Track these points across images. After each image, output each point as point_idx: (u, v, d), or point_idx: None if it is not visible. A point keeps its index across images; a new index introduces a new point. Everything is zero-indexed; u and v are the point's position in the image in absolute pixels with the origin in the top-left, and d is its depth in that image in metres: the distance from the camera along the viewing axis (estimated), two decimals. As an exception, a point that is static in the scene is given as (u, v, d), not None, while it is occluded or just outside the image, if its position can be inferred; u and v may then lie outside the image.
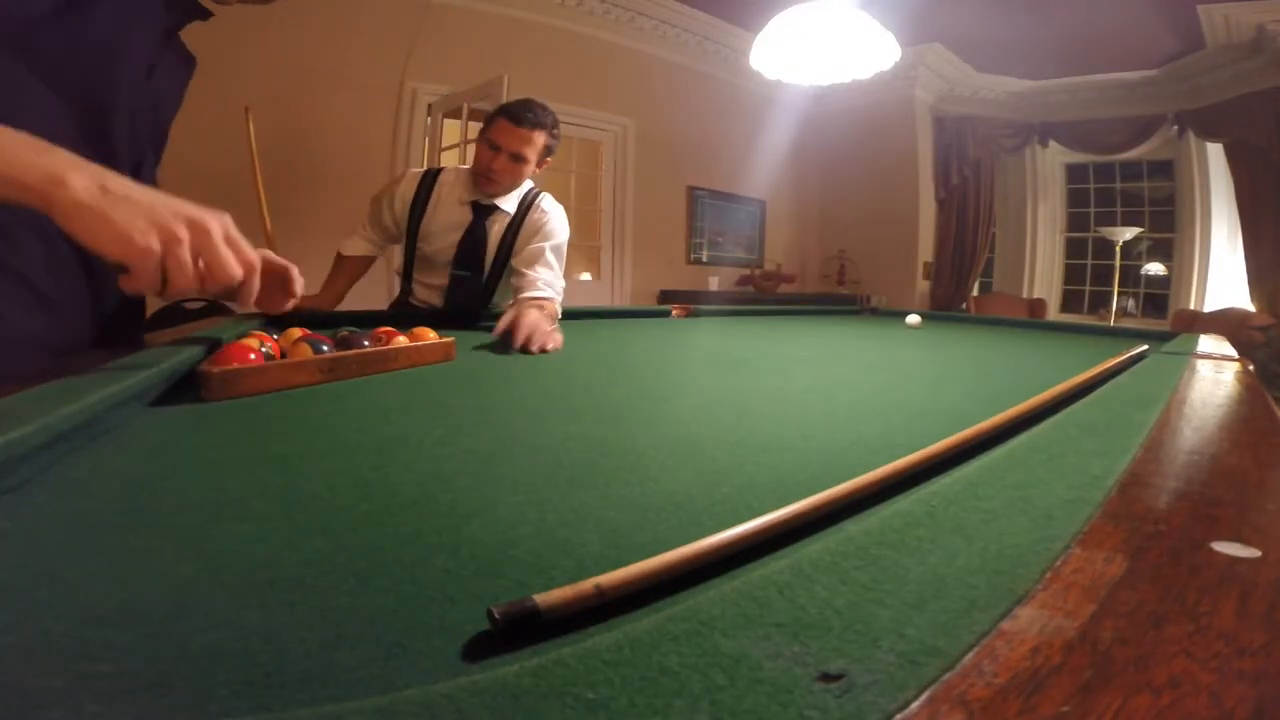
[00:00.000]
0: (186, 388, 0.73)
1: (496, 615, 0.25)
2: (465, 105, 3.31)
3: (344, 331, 0.92)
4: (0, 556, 0.32)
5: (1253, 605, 0.23)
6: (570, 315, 1.76)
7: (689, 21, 4.53)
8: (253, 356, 0.75)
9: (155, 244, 0.56)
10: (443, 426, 0.61)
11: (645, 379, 0.95)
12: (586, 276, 4.83)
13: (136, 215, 0.55)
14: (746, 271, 5.21)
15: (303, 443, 0.55)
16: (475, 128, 3.26)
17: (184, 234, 0.58)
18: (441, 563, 0.32)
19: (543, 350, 1.15)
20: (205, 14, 0.89)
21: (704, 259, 5.10)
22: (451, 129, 3.48)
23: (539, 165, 1.61)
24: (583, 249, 4.76)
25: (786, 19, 2.19)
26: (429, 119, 3.57)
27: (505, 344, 1.16)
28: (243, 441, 0.55)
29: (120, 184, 0.56)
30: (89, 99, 0.78)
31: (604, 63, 4.29)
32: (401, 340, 0.95)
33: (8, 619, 0.26)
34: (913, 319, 2.25)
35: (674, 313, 2.17)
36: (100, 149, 0.80)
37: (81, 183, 0.54)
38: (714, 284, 5.04)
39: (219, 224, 0.61)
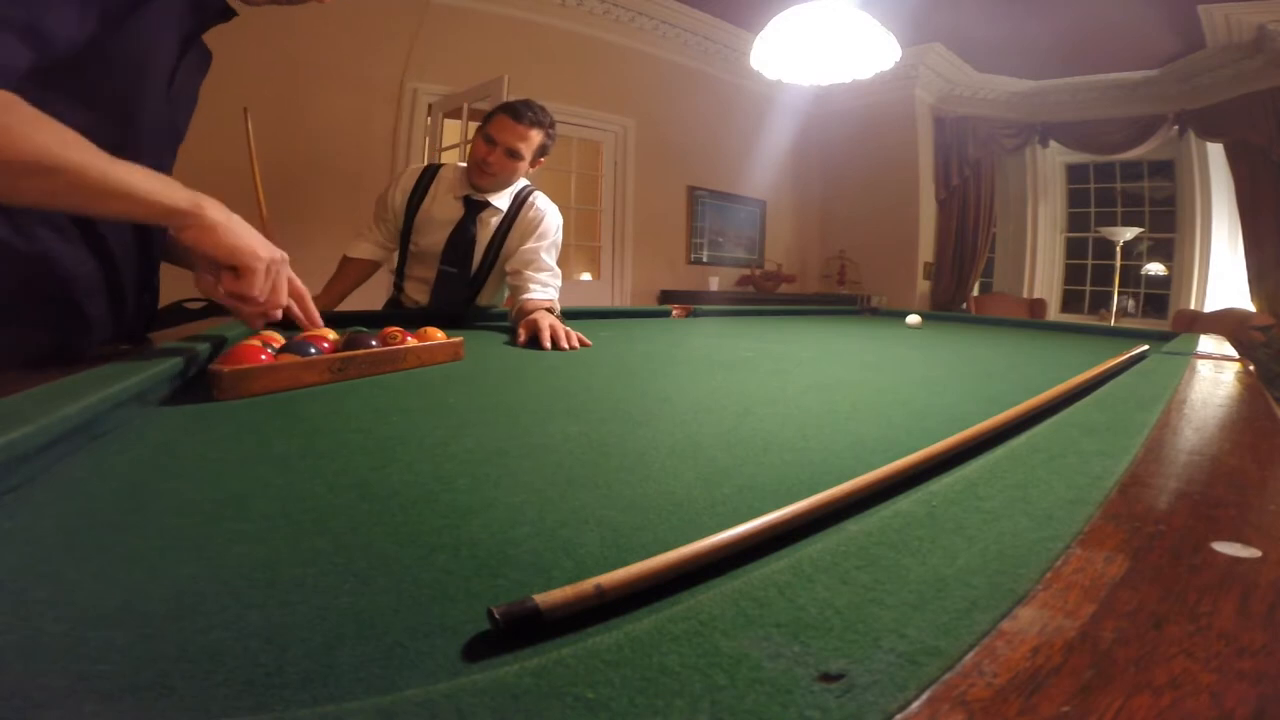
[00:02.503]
0: (195, 387, 0.73)
1: (497, 615, 0.25)
2: (465, 105, 3.31)
3: (352, 331, 0.92)
4: (0, 556, 0.32)
5: (1253, 605, 0.23)
6: (571, 315, 1.77)
7: (689, 21, 4.53)
8: (264, 357, 0.75)
9: (266, 256, 0.75)
10: (444, 426, 0.61)
11: (645, 379, 0.95)
12: (586, 276, 4.83)
13: (252, 236, 0.74)
14: (747, 272, 5.21)
15: (304, 443, 0.55)
16: (476, 128, 3.27)
17: (279, 256, 0.77)
18: (442, 563, 0.32)
19: (572, 346, 1.24)
20: (230, 15, 0.90)
21: (704, 259, 5.10)
22: (451, 129, 3.48)
23: (533, 164, 1.63)
24: (583, 249, 4.76)
25: (787, 19, 2.19)
26: (429, 119, 3.57)
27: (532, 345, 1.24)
28: (244, 441, 0.55)
29: (233, 216, 0.74)
30: (118, 118, 0.78)
31: (604, 63, 4.29)
32: (410, 340, 0.95)
33: (8, 619, 0.26)
34: (913, 319, 2.26)
35: (674, 313, 2.17)
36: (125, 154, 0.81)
37: (214, 209, 0.72)
38: (714, 284, 5.04)
39: (285, 261, 0.79)
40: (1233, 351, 1.19)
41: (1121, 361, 1.00)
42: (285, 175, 3.19)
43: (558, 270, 1.65)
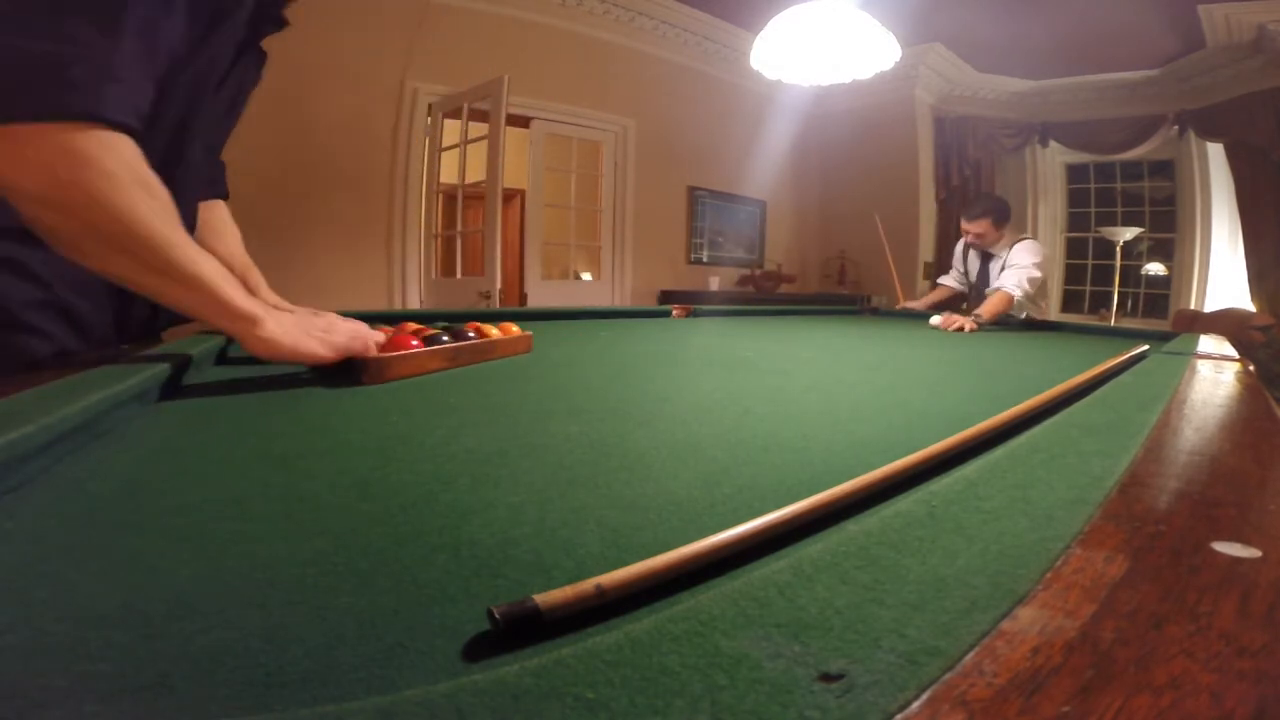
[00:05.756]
0: (194, 388, 0.73)
1: (497, 615, 0.25)
2: (465, 105, 3.31)
3: (455, 327, 1.05)
4: (1, 556, 0.32)
5: (1253, 606, 0.23)
6: (571, 315, 1.79)
7: (689, 21, 4.52)
8: (415, 343, 0.89)
9: (308, 350, 0.77)
10: (444, 426, 0.61)
11: (646, 379, 0.95)
12: (587, 276, 4.84)
13: (294, 339, 0.76)
14: (747, 272, 5.21)
15: (304, 443, 0.55)
16: (475, 128, 3.27)
17: (311, 331, 0.79)
18: (442, 563, 0.32)
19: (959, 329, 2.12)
20: (284, 25, 0.97)
21: (704, 259, 5.10)
22: (451, 129, 3.48)
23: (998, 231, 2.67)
24: (583, 249, 4.77)
25: (787, 19, 2.19)
26: (429, 119, 3.57)
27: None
28: (244, 441, 0.55)
29: (279, 316, 0.77)
30: (182, 123, 0.83)
31: (604, 63, 4.29)
32: (496, 333, 1.08)
33: (8, 619, 0.26)
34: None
35: (674, 313, 2.17)
36: (179, 167, 0.84)
37: (273, 322, 0.75)
38: (714, 284, 5.04)
39: (336, 320, 0.84)
40: (1233, 351, 1.19)
41: (1121, 361, 1.00)
42: (284, 175, 3.19)
43: (1010, 278, 2.48)
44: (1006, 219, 2.66)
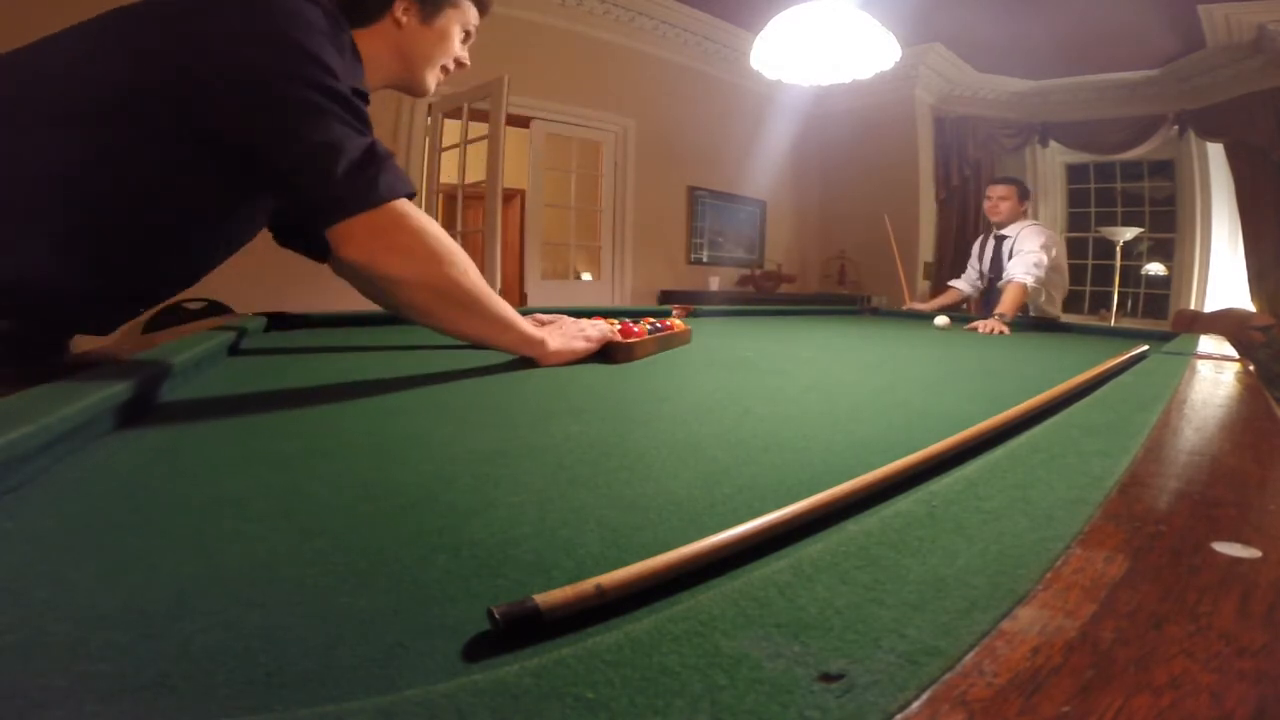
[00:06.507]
0: (193, 390, 0.73)
1: (497, 615, 0.25)
2: (465, 105, 3.31)
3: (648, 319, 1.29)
4: (0, 556, 0.32)
5: (1253, 606, 0.23)
6: (572, 315, 1.79)
7: (689, 21, 4.53)
8: (636, 329, 1.13)
9: (583, 346, 1.00)
10: (445, 426, 0.61)
11: (646, 378, 0.95)
12: (587, 276, 4.84)
13: (568, 339, 0.98)
14: (747, 272, 5.21)
15: (304, 442, 0.55)
16: (476, 128, 3.27)
17: (578, 332, 1.03)
18: (442, 563, 0.32)
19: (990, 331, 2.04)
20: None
21: (704, 259, 5.10)
22: (451, 129, 3.48)
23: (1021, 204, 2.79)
24: (583, 249, 4.77)
25: (787, 19, 2.19)
26: (429, 119, 3.57)
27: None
28: (244, 441, 0.55)
29: (555, 330, 1.01)
30: None
31: (604, 63, 4.29)
32: (678, 326, 1.33)
33: (8, 619, 0.26)
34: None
35: (674, 313, 2.17)
36: None
37: (551, 338, 0.95)
38: (714, 284, 5.04)
39: (576, 323, 1.08)
40: (1233, 352, 1.19)
41: (1121, 361, 1.00)
42: (285, 175, 3.18)
43: (1020, 263, 2.56)
44: (1027, 196, 2.82)
